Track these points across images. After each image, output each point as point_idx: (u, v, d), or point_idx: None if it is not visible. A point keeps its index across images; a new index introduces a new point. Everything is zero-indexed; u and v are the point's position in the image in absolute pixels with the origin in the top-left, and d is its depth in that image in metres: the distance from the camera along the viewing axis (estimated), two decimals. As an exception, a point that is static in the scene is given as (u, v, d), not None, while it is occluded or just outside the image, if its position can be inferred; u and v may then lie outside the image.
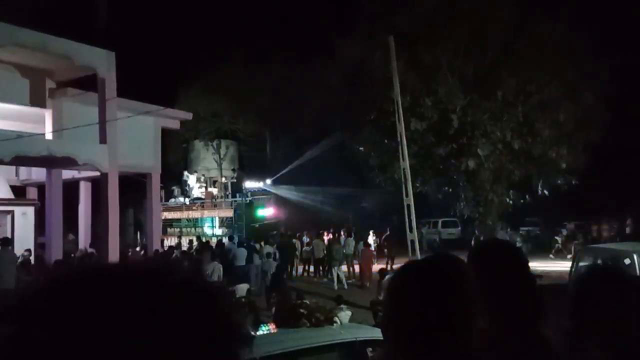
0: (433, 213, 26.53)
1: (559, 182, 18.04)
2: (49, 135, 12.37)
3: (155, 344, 0.48)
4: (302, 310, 5.48)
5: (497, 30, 15.82)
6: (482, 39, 15.95)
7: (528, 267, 1.66)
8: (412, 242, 13.10)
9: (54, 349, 0.47)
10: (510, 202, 18.91)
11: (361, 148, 19.92)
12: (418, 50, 16.28)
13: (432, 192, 18.78)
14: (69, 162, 11.52)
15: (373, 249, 20.80)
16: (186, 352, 0.50)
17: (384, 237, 21.86)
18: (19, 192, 17.30)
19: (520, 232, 23.43)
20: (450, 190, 18.75)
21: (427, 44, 16.28)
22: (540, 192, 19.09)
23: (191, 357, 0.50)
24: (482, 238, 18.94)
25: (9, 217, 14.87)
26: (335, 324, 5.51)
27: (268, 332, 5.60)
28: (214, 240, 20.99)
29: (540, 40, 15.78)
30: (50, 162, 11.92)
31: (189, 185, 28.81)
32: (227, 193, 27.55)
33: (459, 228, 29.12)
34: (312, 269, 19.28)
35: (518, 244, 21.37)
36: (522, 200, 19.43)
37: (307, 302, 5.78)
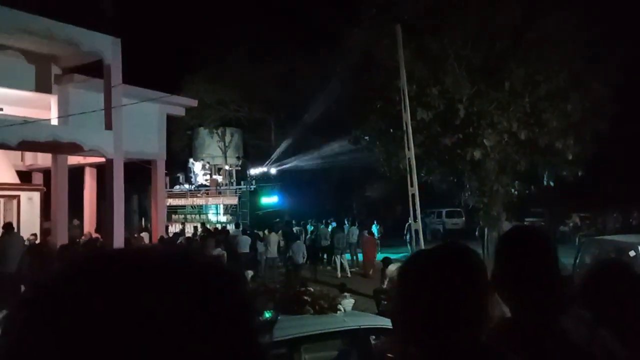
0: (437, 203, 26.51)
1: (565, 173, 17.92)
2: (54, 121, 12.38)
3: (182, 329, 0.48)
4: (305, 298, 5.51)
5: (505, 20, 15.65)
6: (490, 29, 15.78)
7: (557, 257, 1.61)
8: (416, 231, 13.11)
9: (81, 339, 0.46)
10: (516, 192, 18.81)
11: (366, 137, 19.82)
12: (425, 39, 16.13)
13: (436, 182, 18.69)
14: (74, 148, 11.54)
15: (376, 238, 20.88)
16: (213, 336, 0.50)
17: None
18: (25, 178, 17.37)
19: (525, 222, 23.43)
20: (455, 180, 18.66)
21: (435, 33, 16.13)
22: (545, 183, 18.96)
23: (218, 342, 0.50)
24: (486, 229, 18.92)
25: (15, 202, 14.97)
26: (338, 312, 5.54)
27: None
28: (218, 227, 21.08)
29: (549, 29, 15.60)
30: (56, 148, 11.94)
31: (194, 172, 28.87)
32: (232, 180, 27.62)
33: (463, 218, 29.14)
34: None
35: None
36: (527, 191, 19.33)
37: (311, 289, 5.80)
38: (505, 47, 15.96)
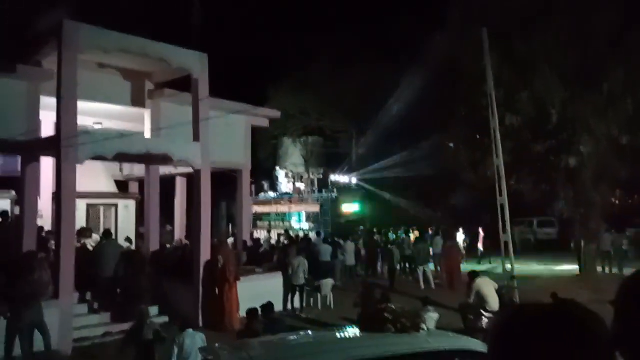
0: (528, 212, 25.13)
1: (675, 181, 16.33)
2: (147, 134, 13.08)
3: None
4: (387, 315, 5.32)
5: (602, 17, 14.49)
6: (586, 28, 14.67)
7: None
8: (506, 243, 12.44)
9: None
10: (616, 202, 17.42)
11: (451, 144, 19.24)
12: (513, 42, 15.35)
13: (527, 191, 17.71)
14: (165, 159, 12.09)
15: (462, 249, 20.15)
16: None
17: (481, 238, 21.28)
18: (123, 187, 18.57)
19: (627, 234, 21.63)
20: (548, 189, 17.59)
21: (524, 34, 15.30)
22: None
23: None
24: (582, 241, 17.65)
25: (113, 209, 16.03)
26: (421, 331, 5.29)
27: (354, 335, 5.50)
28: (300, 235, 21.32)
29: None
30: (149, 159, 12.58)
31: (278, 181, 29.51)
32: (314, 189, 27.89)
33: (556, 228, 27.42)
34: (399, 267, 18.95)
35: (624, 247, 19.69)
36: (629, 201, 17.86)
37: (393, 306, 5.60)
38: (602, 47, 14.78)
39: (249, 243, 16.53)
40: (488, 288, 10.34)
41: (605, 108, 15.07)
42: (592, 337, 1.02)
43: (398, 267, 17.82)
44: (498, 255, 20.61)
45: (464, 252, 20.29)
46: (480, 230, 21.73)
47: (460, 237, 21.24)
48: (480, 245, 21.46)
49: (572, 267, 18.48)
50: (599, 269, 17.94)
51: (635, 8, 14.23)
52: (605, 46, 14.63)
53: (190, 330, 7.12)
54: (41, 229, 12.40)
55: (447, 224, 24.04)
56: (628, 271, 17.71)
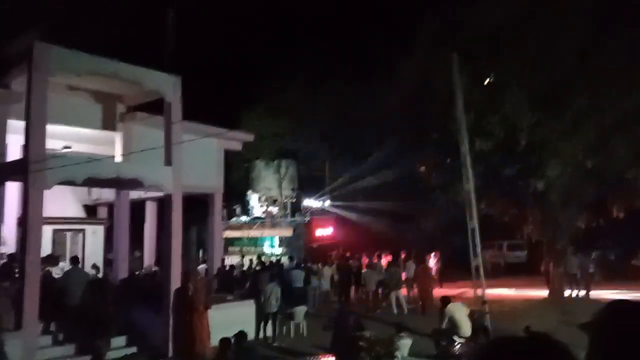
0: (497, 235, 25.52)
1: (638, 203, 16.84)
2: (118, 158, 12.87)
3: None
4: (361, 343, 5.29)
5: (568, 43, 14.98)
6: (552, 53, 15.15)
7: None
8: (477, 267, 12.57)
9: None
10: (582, 225, 17.86)
11: (422, 168, 19.50)
12: (482, 66, 15.74)
13: (497, 214, 18.02)
14: (136, 184, 11.89)
15: (434, 273, 20.23)
16: None
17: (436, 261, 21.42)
18: (91, 211, 18.15)
19: (593, 256, 22.11)
20: (517, 212, 17.93)
21: (492, 59, 15.72)
22: (615, 214, 17.91)
23: None
24: (551, 263, 17.96)
25: (80, 235, 15.63)
26: (395, 359, 5.28)
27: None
28: (272, 260, 21.11)
29: (616, 51, 14.77)
30: (119, 183, 12.35)
31: (250, 205, 29.27)
32: (287, 212, 27.76)
33: (526, 251, 27.88)
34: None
35: (591, 270, 20.09)
36: (594, 224, 18.32)
37: (367, 334, 5.58)
38: (567, 73, 15.27)
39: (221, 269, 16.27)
40: (460, 313, 10.39)
41: (570, 132, 15.52)
42: None
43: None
44: (455, 280, 20.75)
45: (435, 276, 20.38)
46: (432, 254, 21.94)
47: (432, 260, 21.35)
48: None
49: (541, 291, 18.75)
50: (567, 291, 18.25)
51: (599, 33, 14.77)
52: (570, 71, 15.10)
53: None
54: (11, 256, 11.96)
55: (418, 248, 24.19)
56: (595, 294, 18.11)
